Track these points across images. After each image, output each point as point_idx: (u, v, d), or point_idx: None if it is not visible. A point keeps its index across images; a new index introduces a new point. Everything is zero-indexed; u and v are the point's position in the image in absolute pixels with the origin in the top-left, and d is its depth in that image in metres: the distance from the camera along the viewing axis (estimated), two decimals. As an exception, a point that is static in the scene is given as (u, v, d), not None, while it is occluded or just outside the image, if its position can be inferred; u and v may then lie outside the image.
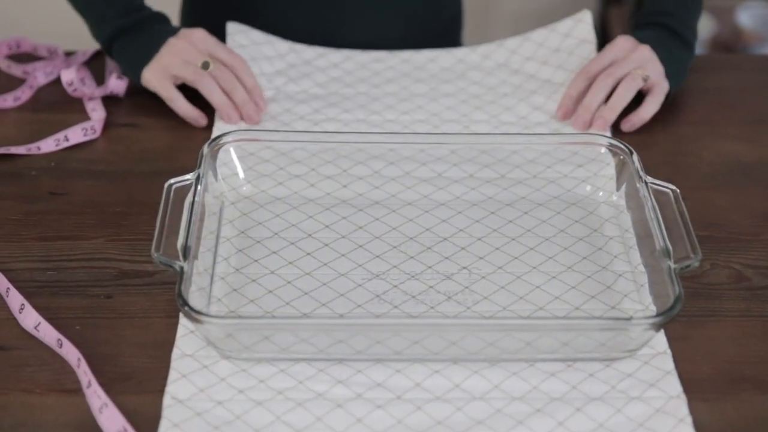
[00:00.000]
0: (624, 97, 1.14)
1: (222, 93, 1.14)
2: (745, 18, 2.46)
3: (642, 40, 1.18)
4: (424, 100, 1.21)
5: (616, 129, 1.17)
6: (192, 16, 1.41)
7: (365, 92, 1.21)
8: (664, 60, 1.16)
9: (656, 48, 1.16)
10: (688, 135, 1.20)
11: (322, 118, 1.16)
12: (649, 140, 1.16)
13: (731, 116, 1.24)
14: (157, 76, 1.16)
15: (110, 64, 1.30)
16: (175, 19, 1.30)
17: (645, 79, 1.13)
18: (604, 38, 2.54)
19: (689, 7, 1.22)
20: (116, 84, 1.24)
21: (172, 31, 1.17)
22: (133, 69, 1.18)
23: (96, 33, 1.21)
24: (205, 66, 1.13)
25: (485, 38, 2.51)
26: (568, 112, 1.15)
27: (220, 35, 1.24)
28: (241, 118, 1.15)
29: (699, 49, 2.40)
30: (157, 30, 1.17)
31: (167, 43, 1.15)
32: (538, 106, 1.19)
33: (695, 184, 1.11)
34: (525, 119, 1.18)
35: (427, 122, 1.18)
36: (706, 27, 2.43)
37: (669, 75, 1.17)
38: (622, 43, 1.17)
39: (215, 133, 1.11)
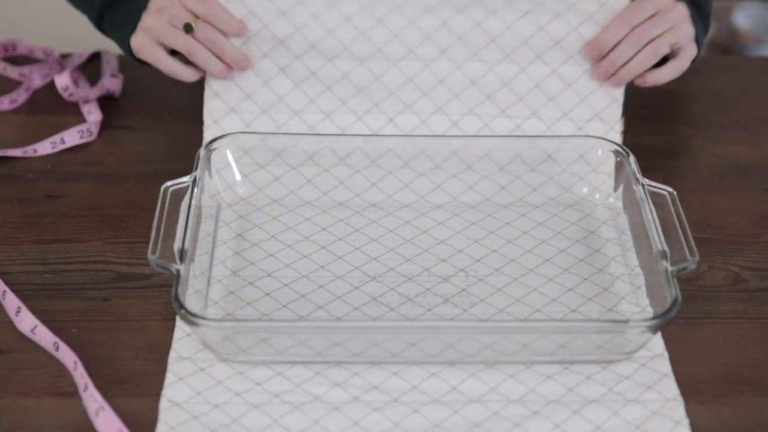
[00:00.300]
0: (646, 62, 1.08)
1: (214, 59, 1.08)
2: (742, 19, 2.46)
3: None
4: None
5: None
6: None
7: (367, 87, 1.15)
8: (697, 32, 1.11)
9: (690, 8, 1.11)
10: (686, 137, 1.20)
11: (318, 119, 1.14)
12: (646, 142, 1.16)
13: (729, 118, 1.25)
14: (145, 45, 1.09)
15: (106, 63, 1.30)
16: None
17: (672, 47, 1.08)
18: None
19: None
20: (111, 82, 1.24)
21: None
22: (123, 42, 1.12)
23: (89, 17, 1.17)
24: (188, 29, 1.06)
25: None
26: (596, 57, 1.09)
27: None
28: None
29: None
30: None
31: (148, 9, 1.09)
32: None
33: (692, 186, 1.11)
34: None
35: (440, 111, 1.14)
36: (703, 28, 2.44)
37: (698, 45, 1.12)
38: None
39: (211, 136, 1.11)
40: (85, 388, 0.85)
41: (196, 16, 1.07)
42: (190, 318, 0.85)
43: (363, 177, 1.08)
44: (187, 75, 1.10)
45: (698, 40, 1.12)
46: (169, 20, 1.07)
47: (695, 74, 1.32)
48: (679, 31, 1.08)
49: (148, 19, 1.08)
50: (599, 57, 1.08)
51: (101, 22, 1.13)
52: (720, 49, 2.43)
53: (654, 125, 1.21)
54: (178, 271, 0.89)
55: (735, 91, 1.30)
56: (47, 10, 2.40)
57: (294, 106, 1.11)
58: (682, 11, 1.09)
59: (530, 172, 1.08)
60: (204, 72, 1.10)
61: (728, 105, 1.27)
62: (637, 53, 1.07)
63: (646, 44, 1.07)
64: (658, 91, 1.26)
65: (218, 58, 1.08)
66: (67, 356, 0.88)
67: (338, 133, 1.11)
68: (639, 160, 1.04)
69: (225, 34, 1.08)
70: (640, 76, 1.09)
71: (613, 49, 1.07)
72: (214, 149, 1.05)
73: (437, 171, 1.08)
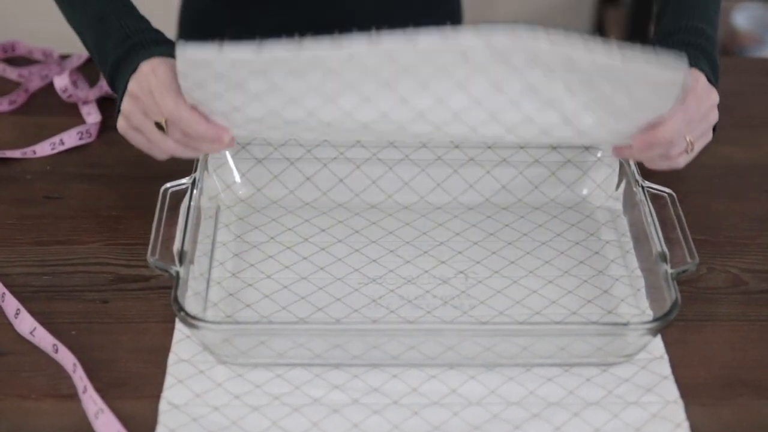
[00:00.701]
0: (661, 166, 0.98)
1: (183, 152, 0.97)
2: (741, 19, 2.46)
3: (709, 79, 1.01)
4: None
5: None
6: (188, 24, 1.40)
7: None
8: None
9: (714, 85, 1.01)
10: (685, 138, 1.20)
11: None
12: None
13: (728, 120, 1.24)
14: (128, 134, 0.98)
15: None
16: (172, 27, 1.30)
17: (687, 151, 0.97)
18: (600, 38, 2.55)
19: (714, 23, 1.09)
20: (111, 84, 1.24)
21: (138, 63, 0.97)
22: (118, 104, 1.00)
23: (100, 64, 1.05)
24: (159, 127, 0.94)
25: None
26: (643, 148, 0.95)
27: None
28: None
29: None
30: (132, 62, 0.98)
31: (128, 89, 0.96)
32: None
33: (692, 188, 1.11)
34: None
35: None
36: (702, 29, 2.44)
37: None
38: (706, 91, 0.98)
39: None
40: (85, 391, 0.85)
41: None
42: (190, 320, 0.85)
43: (362, 173, 1.07)
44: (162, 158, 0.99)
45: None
46: (144, 111, 0.96)
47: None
48: (703, 128, 0.98)
49: (126, 103, 0.97)
50: (645, 148, 0.95)
51: (113, 84, 1.01)
52: (719, 49, 2.43)
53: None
54: (177, 272, 0.89)
55: (734, 92, 1.30)
56: (46, 12, 2.40)
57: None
58: (714, 102, 0.99)
59: (530, 173, 1.07)
60: None
61: (727, 107, 1.26)
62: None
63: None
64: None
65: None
66: (66, 358, 0.88)
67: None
68: (639, 163, 1.04)
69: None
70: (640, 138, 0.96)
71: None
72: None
73: (438, 165, 1.08)
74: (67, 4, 1.10)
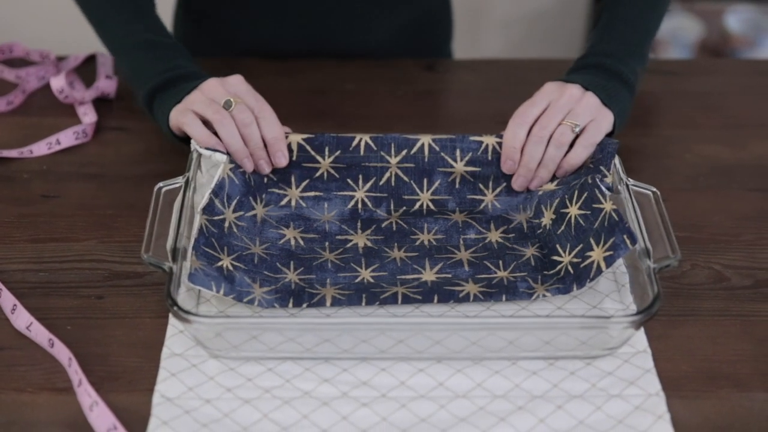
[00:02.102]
0: (556, 156, 1.06)
1: (239, 138, 1.05)
2: (734, 22, 2.47)
3: (572, 81, 1.10)
4: None
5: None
6: (185, 27, 1.42)
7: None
8: (601, 96, 1.08)
9: (592, 88, 1.08)
10: (671, 137, 1.22)
11: None
12: (631, 142, 1.18)
13: (714, 120, 1.26)
14: (179, 112, 1.07)
15: (100, 65, 1.31)
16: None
17: (575, 131, 1.05)
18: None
19: (632, 52, 1.14)
20: (106, 84, 1.25)
21: (206, 79, 1.10)
22: (164, 117, 1.09)
23: (141, 96, 1.13)
24: (228, 105, 1.05)
25: (476, 45, 2.54)
26: (513, 168, 1.06)
27: (216, 43, 1.23)
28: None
29: (686, 52, 2.44)
30: (194, 84, 1.09)
31: (198, 87, 1.08)
32: None
33: (677, 186, 1.13)
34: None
35: None
36: (694, 31, 2.45)
37: (611, 108, 1.08)
38: (549, 88, 1.09)
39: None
40: (80, 384, 0.87)
41: (243, 102, 1.06)
42: (183, 315, 0.86)
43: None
44: (208, 144, 1.05)
45: (627, 105, 1.11)
46: (210, 96, 1.06)
47: (682, 76, 1.35)
48: (578, 111, 1.06)
49: (191, 95, 1.07)
50: (515, 166, 1.06)
51: (151, 104, 1.11)
52: (711, 51, 2.44)
53: (639, 127, 1.23)
54: (170, 269, 0.90)
55: (720, 93, 1.32)
56: (44, 14, 2.42)
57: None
58: (574, 92, 1.08)
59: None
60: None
61: (713, 107, 1.29)
62: (546, 150, 1.06)
63: (550, 138, 1.06)
64: (644, 93, 1.28)
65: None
66: (61, 353, 0.90)
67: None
68: (624, 160, 1.06)
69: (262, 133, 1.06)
70: (559, 168, 1.06)
71: (522, 155, 1.06)
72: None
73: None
74: (107, 26, 1.17)
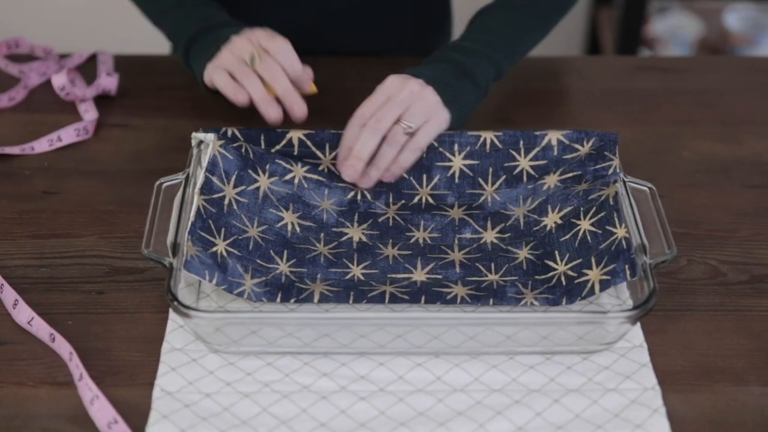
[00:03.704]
0: (388, 154, 1.05)
1: (262, 88, 1.08)
2: (733, 20, 2.47)
3: (415, 74, 1.09)
4: None
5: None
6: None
7: None
8: (444, 95, 1.08)
9: (435, 84, 1.08)
10: (669, 134, 1.22)
11: None
12: (629, 139, 1.18)
13: (711, 116, 1.27)
14: (210, 70, 1.12)
15: (101, 63, 1.32)
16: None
17: (407, 130, 1.05)
18: (594, 38, 2.57)
19: (489, 57, 1.14)
20: (107, 81, 1.26)
21: (238, 31, 1.14)
22: (199, 71, 1.14)
23: (179, 52, 1.19)
24: (252, 61, 1.09)
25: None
26: (352, 171, 1.05)
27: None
28: (286, 114, 1.09)
29: (686, 50, 2.44)
30: (225, 33, 1.14)
31: (229, 41, 1.12)
32: None
33: (674, 183, 1.14)
34: None
35: None
36: (693, 29, 2.45)
37: (450, 108, 1.08)
38: (391, 82, 1.08)
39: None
40: (80, 378, 0.88)
41: (267, 53, 1.09)
42: (183, 310, 0.87)
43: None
44: (239, 98, 1.09)
45: (469, 104, 1.11)
46: (238, 53, 1.10)
47: (681, 73, 1.35)
48: (414, 110, 1.06)
49: (222, 53, 1.11)
50: (353, 170, 1.05)
51: (187, 56, 1.17)
52: (710, 49, 2.45)
53: (638, 123, 1.23)
54: (171, 264, 0.91)
55: (718, 90, 1.32)
56: (50, 14, 2.43)
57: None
58: (414, 87, 1.07)
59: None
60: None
61: (711, 104, 1.29)
62: (380, 147, 1.05)
63: (385, 136, 1.05)
64: (641, 90, 1.29)
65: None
66: (62, 347, 0.91)
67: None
68: (622, 156, 1.06)
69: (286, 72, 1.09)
70: (386, 170, 1.06)
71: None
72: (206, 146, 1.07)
73: None
74: None
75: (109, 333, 0.94)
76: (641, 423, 0.85)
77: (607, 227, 0.97)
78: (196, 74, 1.16)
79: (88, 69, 1.32)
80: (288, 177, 1.06)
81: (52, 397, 0.88)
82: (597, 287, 0.94)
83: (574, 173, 1.04)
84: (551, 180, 1.05)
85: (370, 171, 1.06)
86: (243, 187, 1.03)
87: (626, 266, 0.93)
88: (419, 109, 1.06)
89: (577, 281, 0.95)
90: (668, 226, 0.96)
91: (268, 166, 1.06)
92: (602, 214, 0.99)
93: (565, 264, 0.97)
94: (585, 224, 0.99)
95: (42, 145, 1.18)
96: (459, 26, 1.58)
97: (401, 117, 1.06)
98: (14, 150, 1.17)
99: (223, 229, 0.98)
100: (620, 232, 0.96)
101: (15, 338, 0.93)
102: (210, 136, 1.04)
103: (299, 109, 1.09)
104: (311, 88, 1.11)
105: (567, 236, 1.00)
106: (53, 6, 2.42)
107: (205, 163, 1.02)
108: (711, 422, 0.86)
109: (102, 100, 1.26)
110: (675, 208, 1.08)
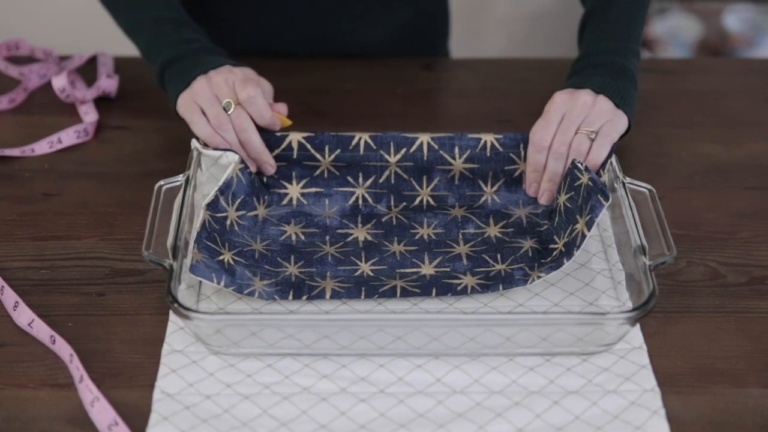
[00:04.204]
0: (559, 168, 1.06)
1: (237, 144, 1.07)
2: (733, 21, 2.47)
3: (580, 86, 1.08)
4: None
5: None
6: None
7: None
8: (615, 100, 1.07)
9: (604, 91, 1.07)
10: (668, 136, 1.23)
11: None
12: (628, 141, 1.18)
13: (710, 118, 1.27)
14: (185, 104, 1.09)
15: (101, 65, 1.32)
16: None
17: (591, 137, 1.05)
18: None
19: (630, 49, 1.14)
20: (107, 83, 1.26)
21: (218, 64, 1.11)
22: (172, 97, 1.11)
23: (146, 60, 1.18)
24: (227, 106, 1.07)
25: (476, 44, 2.55)
26: (537, 191, 1.07)
27: (216, 42, 1.24)
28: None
29: (685, 51, 2.44)
30: (204, 61, 1.11)
31: (207, 74, 1.10)
32: None
33: (673, 184, 1.14)
34: None
35: None
36: (692, 30, 2.45)
37: (624, 110, 1.08)
38: (560, 99, 1.07)
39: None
40: (81, 380, 0.88)
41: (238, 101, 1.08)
42: (183, 312, 0.87)
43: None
44: (215, 143, 1.07)
45: (632, 96, 1.10)
46: (215, 92, 1.08)
47: (680, 75, 1.36)
48: (592, 119, 1.06)
49: (198, 82, 1.09)
50: (547, 193, 1.07)
51: (162, 78, 1.14)
52: (710, 50, 2.45)
53: (636, 125, 1.23)
54: (171, 266, 0.91)
55: (717, 92, 1.32)
56: (50, 16, 2.43)
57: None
58: (586, 99, 1.06)
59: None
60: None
61: (710, 106, 1.29)
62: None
63: (569, 150, 1.05)
64: (641, 92, 1.29)
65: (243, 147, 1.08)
66: (63, 349, 0.91)
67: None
68: (621, 158, 1.07)
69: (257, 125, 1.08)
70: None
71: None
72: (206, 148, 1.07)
73: None
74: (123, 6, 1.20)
75: (110, 335, 0.94)
76: (641, 425, 0.86)
77: (575, 185, 1.00)
78: (168, 96, 1.12)
79: (88, 71, 1.33)
80: (285, 201, 1.07)
81: (52, 400, 0.88)
82: (585, 230, 0.96)
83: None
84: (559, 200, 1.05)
85: (548, 186, 1.06)
86: (244, 212, 1.03)
87: (598, 196, 0.96)
88: (596, 116, 1.06)
89: (570, 238, 0.98)
90: (668, 227, 0.96)
91: (266, 197, 1.06)
92: (568, 179, 1.02)
93: (562, 239, 0.99)
94: (562, 198, 1.02)
95: (42, 147, 1.18)
96: (458, 26, 1.58)
97: (580, 128, 1.05)
98: (14, 152, 1.17)
99: (227, 243, 0.99)
100: (584, 178, 0.99)
101: (15, 340, 0.93)
102: (233, 156, 1.04)
103: (270, 169, 1.08)
104: (284, 123, 1.10)
105: (556, 219, 1.02)
106: (53, 8, 2.42)
107: (221, 181, 1.01)
108: (711, 424, 0.86)
109: (102, 102, 1.27)
110: (674, 209, 1.08)
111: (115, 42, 1.36)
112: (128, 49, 1.25)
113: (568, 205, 1.01)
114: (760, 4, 2.51)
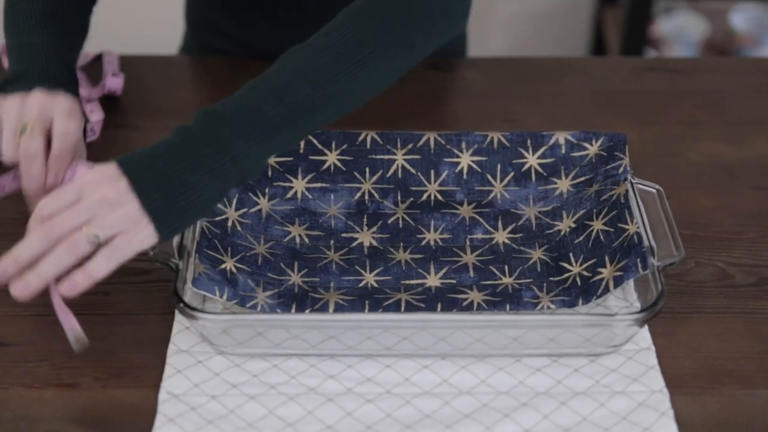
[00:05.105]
0: (61, 262, 0.86)
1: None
2: (739, 20, 2.47)
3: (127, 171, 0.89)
4: None
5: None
6: (186, 27, 1.42)
7: None
8: (156, 206, 0.87)
9: (143, 185, 0.87)
10: (675, 136, 1.22)
11: None
12: (635, 140, 1.18)
13: (718, 118, 1.26)
14: None
15: (107, 63, 1.32)
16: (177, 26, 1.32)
17: (92, 241, 0.86)
18: (599, 39, 2.56)
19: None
20: (113, 81, 1.26)
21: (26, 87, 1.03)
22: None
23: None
24: (23, 130, 0.99)
25: (483, 42, 2.55)
26: (4, 271, 0.87)
27: (216, 43, 1.23)
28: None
29: (691, 50, 2.44)
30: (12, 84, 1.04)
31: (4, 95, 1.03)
32: None
33: (681, 184, 1.13)
34: None
35: None
36: (699, 29, 2.45)
37: (157, 228, 0.87)
38: (91, 177, 0.90)
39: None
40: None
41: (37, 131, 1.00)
42: (189, 312, 0.87)
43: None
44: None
45: (179, 206, 0.88)
46: (18, 114, 1.02)
47: (687, 74, 1.35)
48: (103, 220, 0.86)
49: (11, 100, 1.03)
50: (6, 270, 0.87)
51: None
52: (716, 49, 2.45)
53: (644, 124, 1.23)
54: (177, 266, 0.91)
55: (724, 91, 1.32)
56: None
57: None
58: (108, 194, 0.86)
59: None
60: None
61: (717, 105, 1.29)
62: (54, 251, 0.86)
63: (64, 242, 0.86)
64: (648, 92, 1.28)
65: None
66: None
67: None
68: (629, 158, 1.06)
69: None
70: (69, 279, 0.86)
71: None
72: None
73: None
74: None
75: (115, 335, 0.94)
76: (649, 426, 0.85)
77: (619, 225, 0.97)
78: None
79: (93, 69, 1.32)
80: (289, 195, 1.06)
81: (58, 399, 0.88)
82: (611, 284, 0.94)
83: (586, 177, 1.04)
84: (563, 185, 1.05)
85: (30, 277, 0.86)
86: (245, 210, 1.03)
87: (638, 260, 0.93)
88: (111, 219, 0.86)
89: (591, 281, 0.95)
90: (676, 228, 0.95)
91: (267, 190, 1.06)
92: (614, 212, 0.99)
93: (580, 265, 0.97)
94: (598, 224, 0.99)
95: (48, 146, 1.17)
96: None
97: (86, 224, 0.87)
98: (20, 151, 1.16)
99: (229, 248, 0.98)
100: (632, 228, 0.96)
101: (21, 340, 0.93)
102: None
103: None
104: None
105: (580, 238, 1.00)
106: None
107: None
108: (719, 425, 0.86)
109: (107, 101, 1.26)
110: (682, 209, 1.08)
111: (120, 40, 1.36)
112: (134, 47, 1.25)
113: (601, 238, 0.98)
114: (767, 4, 2.51)
